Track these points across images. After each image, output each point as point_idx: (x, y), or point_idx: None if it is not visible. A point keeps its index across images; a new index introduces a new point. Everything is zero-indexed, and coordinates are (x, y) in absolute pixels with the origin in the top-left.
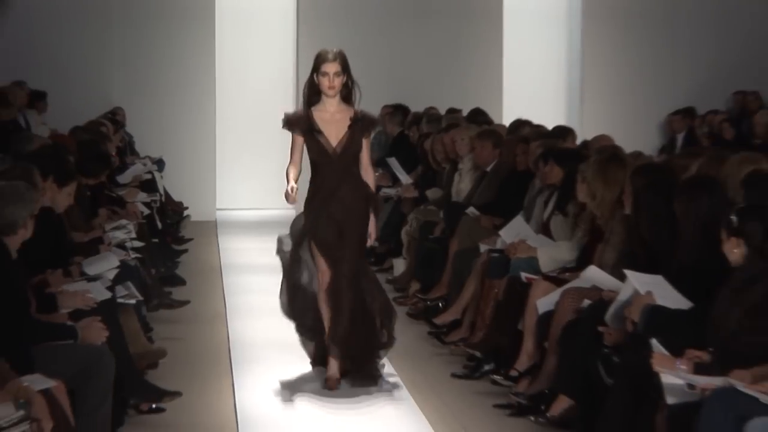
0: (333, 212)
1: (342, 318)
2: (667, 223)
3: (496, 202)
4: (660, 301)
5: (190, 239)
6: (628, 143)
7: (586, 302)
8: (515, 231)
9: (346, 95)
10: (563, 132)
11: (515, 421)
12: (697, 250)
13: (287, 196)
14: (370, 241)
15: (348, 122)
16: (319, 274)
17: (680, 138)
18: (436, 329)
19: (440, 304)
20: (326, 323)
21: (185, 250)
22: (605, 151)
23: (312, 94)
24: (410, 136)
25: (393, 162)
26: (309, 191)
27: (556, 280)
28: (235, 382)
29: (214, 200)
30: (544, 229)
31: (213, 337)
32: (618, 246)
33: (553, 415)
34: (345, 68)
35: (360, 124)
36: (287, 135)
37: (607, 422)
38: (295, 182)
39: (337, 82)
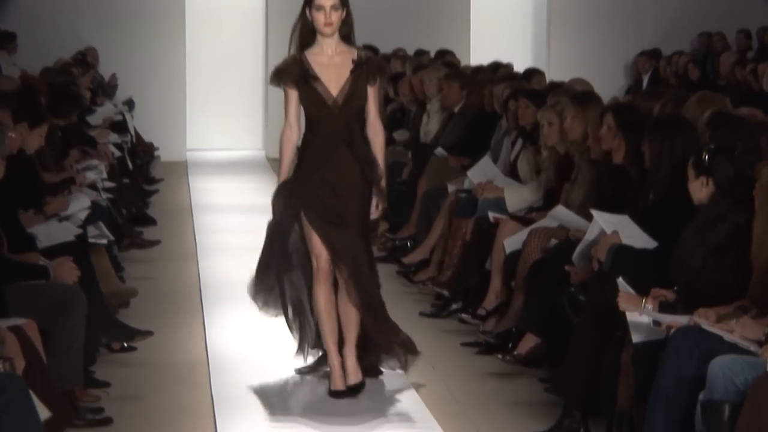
0: (328, 178)
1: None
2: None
3: (463, 142)
4: (626, 241)
5: (161, 179)
6: (594, 84)
7: (553, 242)
8: (483, 171)
9: (347, 34)
10: (532, 73)
11: (483, 359)
12: (666, 189)
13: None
14: (375, 214)
15: (350, 66)
16: (313, 257)
17: (646, 79)
18: (404, 268)
19: (408, 244)
20: (326, 326)
21: (156, 191)
22: (582, 91)
23: (305, 34)
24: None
25: None
26: (299, 150)
27: (524, 220)
28: (206, 321)
29: (184, 141)
30: (511, 170)
31: (184, 277)
32: (585, 186)
33: (520, 353)
34: (344, 0)
35: (364, 68)
36: (259, 72)
37: (573, 360)
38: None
39: (335, 17)
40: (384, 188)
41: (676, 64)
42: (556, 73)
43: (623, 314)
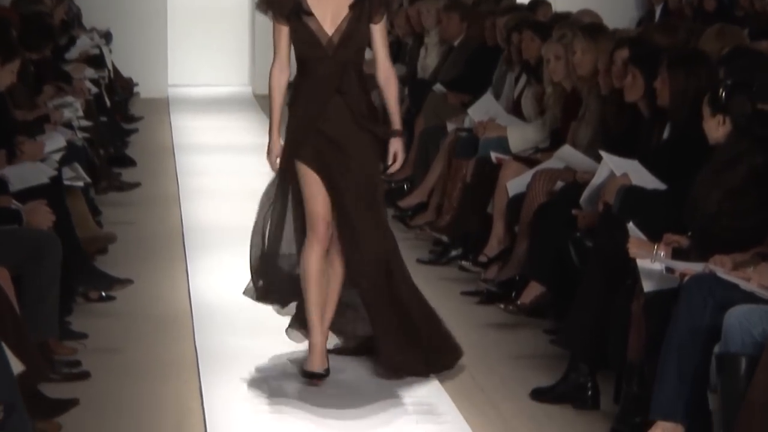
0: (326, 130)
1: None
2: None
3: (463, 78)
4: (636, 183)
5: (141, 118)
6: (603, 16)
7: (559, 184)
8: (484, 109)
9: None
10: (537, 4)
11: (484, 309)
12: (682, 128)
13: (271, 162)
14: (393, 168)
15: (349, 0)
16: (310, 217)
17: (658, 10)
18: (400, 212)
19: (405, 186)
20: (313, 297)
21: (135, 130)
22: (591, 23)
23: None
24: None
25: None
26: (291, 95)
27: (528, 161)
28: (189, 268)
29: (165, 76)
30: (515, 108)
31: (165, 221)
32: (593, 124)
33: (523, 302)
34: None
35: (367, 2)
36: (245, 2)
37: (580, 310)
38: (279, 145)
39: None
40: (400, 142)
41: None
42: (562, 3)
43: (634, 261)
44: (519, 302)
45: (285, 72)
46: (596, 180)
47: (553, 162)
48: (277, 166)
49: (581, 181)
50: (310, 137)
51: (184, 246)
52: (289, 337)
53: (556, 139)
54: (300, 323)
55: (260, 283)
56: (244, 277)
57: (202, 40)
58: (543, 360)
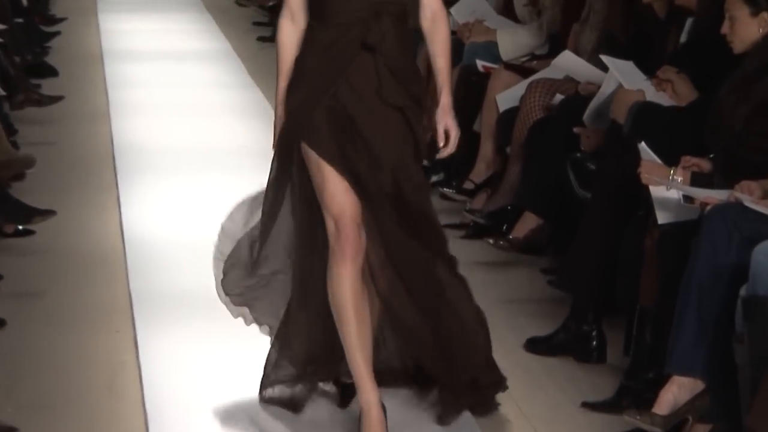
0: (344, 99)
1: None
2: None
3: None
4: (650, 97)
5: (63, 19)
6: None
7: (558, 97)
8: (469, 8)
9: None
10: None
11: (470, 245)
12: (704, 29)
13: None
14: (445, 152)
15: None
16: (330, 219)
17: None
18: None
19: None
20: (354, 332)
21: (57, 33)
22: None
23: None
24: None
25: None
26: (299, 55)
27: (521, 70)
28: (121, 198)
29: None
30: (506, 7)
31: (93, 141)
32: (598, 27)
33: (516, 236)
34: None
35: None
36: None
37: (583, 246)
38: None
39: None
40: (450, 114)
41: None
42: None
43: (646, 188)
44: (511, 236)
45: (297, 22)
46: (603, 92)
47: (551, 71)
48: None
49: (584, 93)
50: (323, 112)
51: (115, 171)
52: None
53: (554, 45)
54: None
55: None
56: (186, 207)
57: None
58: (540, 305)
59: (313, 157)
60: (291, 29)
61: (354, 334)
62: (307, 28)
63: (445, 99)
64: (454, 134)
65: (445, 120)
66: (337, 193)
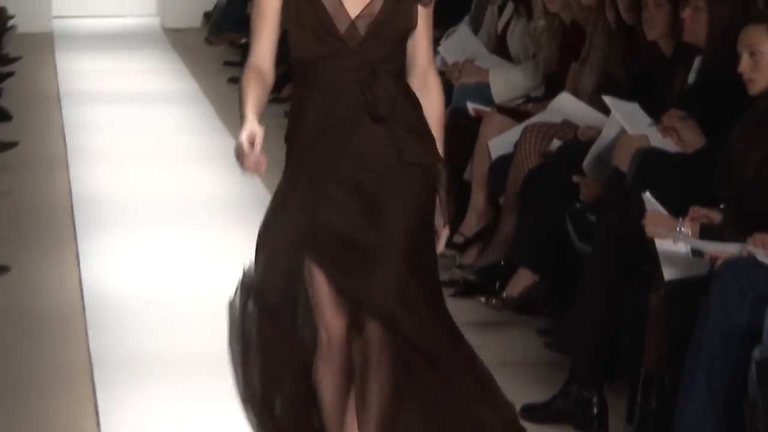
0: (352, 172)
1: None
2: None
3: (434, 7)
4: (655, 142)
5: (18, 58)
6: None
7: (556, 143)
8: (459, 46)
9: None
10: None
11: (460, 304)
12: (714, 69)
13: (239, 151)
14: (441, 244)
15: None
16: (322, 331)
17: None
18: None
19: None
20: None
21: (11, 73)
22: None
23: None
24: None
25: None
26: (288, 130)
27: (515, 113)
28: (80, 251)
29: (49, 5)
30: (499, 45)
31: (50, 191)
32: (599, 66)
33: (510, 294)
34: None
35: None
36: None
37: (582, 305)
38: (258, 124)
39: None
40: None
41: None
42: None
43: (651, 241)
44: (505, 295)
45: (266, 73)
46: (604, 137)
47: (548, 114)
48: (256, 158)
49: (584, 138)
50: (325, 194)
51: (74, 223)
52: None
53: (551, 86)
54: None
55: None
56: (151, 262)
57: None
58: (536, 368)
59: (310, 263)
60: (257, 77)
61: (334, 422)
62: (295, 98)
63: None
64: (443, 238)
65: (441, 204)
66: (327, 306)
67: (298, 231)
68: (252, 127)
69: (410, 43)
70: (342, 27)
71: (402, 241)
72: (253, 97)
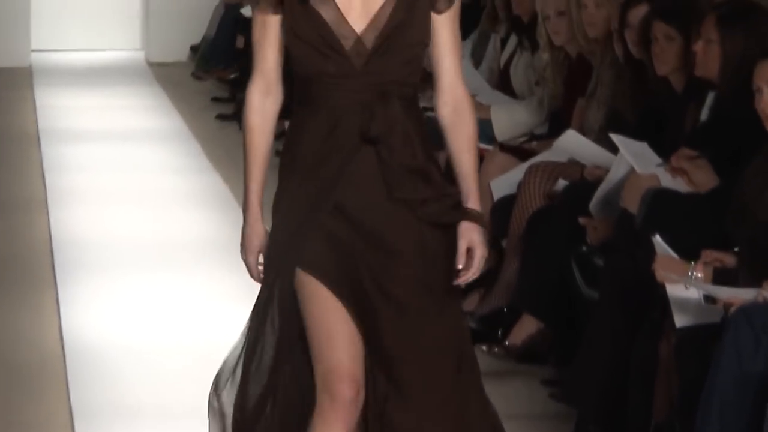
0: (350, 208)
1: None
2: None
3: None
4: (666, 183)
5: None
6: None
7: (561, 183)
8: None
9: None
10: None
11: None
12: (728, 105)
13: (248, 270)
14: (464, 278)
15: None
16: (324, 379)
17: None
18: None
19: None
20: None
21: None
22: None
23: None
24: None
25: None
26: (285, 147)
27: (519, 152)
28: (60, 298)
29: (28, 39)
30: (501, 81)
31: (28, 234)
32: (607, 102)
33: (513, 343)
34: None
35: None
36: None
37: (590, 353)
38: (261, 226)
39: None
40: (476, 229)
41: None
42: None
43: (662, 287)
44: (507, 343)
45: (272, 96)
46: (612, 177)
47: (553, 153)
48: (259, 273)
49: (591, 178)
50: (319, 222)
51: (54, 268)
52: None
53: (556, 123)
54: None
55: None
56: (135, 309)
57: None
58: (541, 421)
59: (304, 283)
60: (264, 106)
61: None
62: (294, 117)
63: (474, 206)
64: (479, 255)
65: (470, 235)
66: (329, 337)
67: (285, 243)
68: (255, 238)
69: (433, 58)
70: (346, 43)
71: (425, 291)
72: (260, 153)
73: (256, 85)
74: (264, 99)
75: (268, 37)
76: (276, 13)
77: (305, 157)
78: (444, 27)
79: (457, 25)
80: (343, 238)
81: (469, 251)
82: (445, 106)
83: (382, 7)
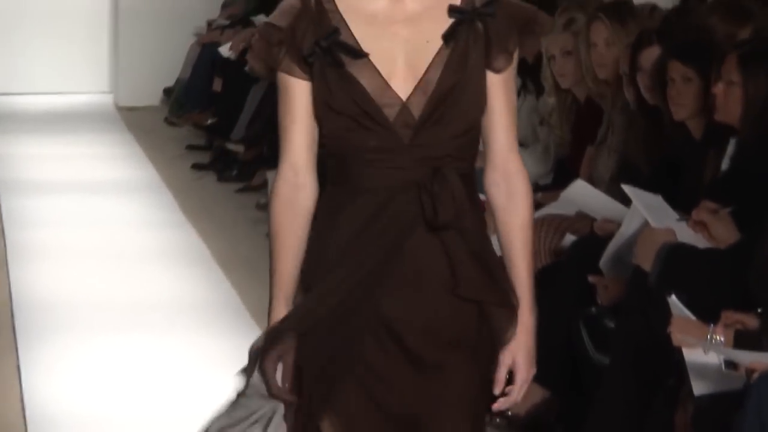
0: (393, 315)
1: None
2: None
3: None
4: (682, 237)
5: None
6: None
7: (569, 238)
8: None
9: None
10: None
11: None
12: (752, 153)
13: (272, 392)
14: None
15: (444, 21)
16: None
17: None
18: None
19: None
20: None
21: None
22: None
23: None
24: None
25: (261, 21)
26: (312, 240)
27: None
28: (21, 364)
29: None
30: None
31: None
32: (618, 150)
33: (517, 413)
34: None
35: (483, 25)
36: None
37: (600, 423)
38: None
39: None
40: (524, 344)
41: None
42: None
43: (679, 351)
44: (511, 413)
45: (305, 188)
46: (624, 231)
47: (560, 205)
48: (287, 394)
49: (601, 233)
50: (357, 356)
51: (14, 331)
52: None
53: (563, 172)
54: None
55: None
56: (102, 376)
57: (37, 28)
58: None
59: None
60: (295, 201)
61: None
62: (323, 202)
63: (525, 319)
64: (522, 378)
65: (515, 356)
66: None
67: (311, 367)
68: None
69: (483, 127)
70: (390, 113)
71: (466, 410)
72: (290, 255)
73: (284, 175)
74: (294, 192)
75: (296, 110)
76: (304, 77)
77: (341, 252)
78: (499, 89)
79: (513, 88)
80: (385, 376)
81: (510, 368)
82: (496, 187)
83: (431, 68)
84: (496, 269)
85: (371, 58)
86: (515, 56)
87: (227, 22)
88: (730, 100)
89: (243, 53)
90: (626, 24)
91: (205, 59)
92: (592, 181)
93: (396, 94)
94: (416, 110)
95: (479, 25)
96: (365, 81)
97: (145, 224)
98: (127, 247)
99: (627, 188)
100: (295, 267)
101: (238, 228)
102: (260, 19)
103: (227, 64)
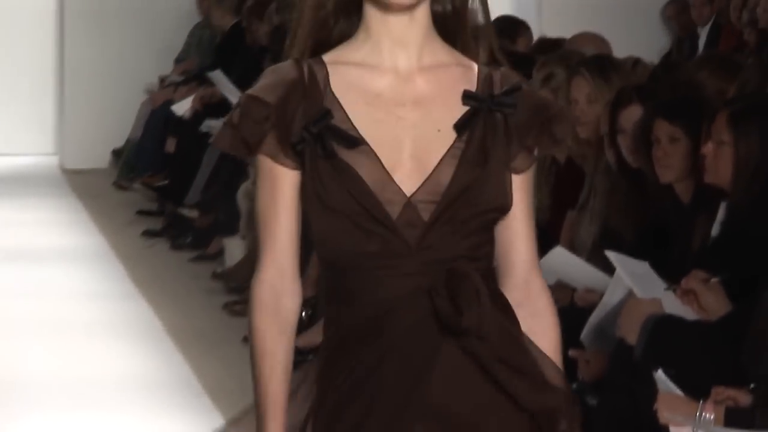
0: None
1: None
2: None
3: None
4: (670, 308)
5: None
6: (612, 43)
7: None
8: None
9: (450, 21)
10: (513, 27)
11: None
12: (743, 217)
13: None
14: None
15: (458, 107)
16: None
17: (703, 34)
18: (300, 356)
19: (303, 314)
20: None
21: None
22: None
23: (333, 8)
24: (251, 30)
25: (219, 77)
26: (322, 369)
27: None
28: None
29: None
30: None
31: None
32: (602, 214)
33: None
34: None
35: (504, 114)
36: (48, 35)
37: None
38: None
39: None
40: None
41: (753, 7)
42: (550, 26)
43: (666, 430)
44: None
45: (293, 294)
46: (607, 302)
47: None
48: None
49: (582, 303)
50: None
51: None
52: None
53: (542, 239)
54: None
55: None
56: None
57: None
58: None
59: None
60: (279, 306)
61: None
62: (326, 323)
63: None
64: None
65: None
66: None
67: None
68: None
69: (500, 237)
70: (393, 210)
71: None
72: (276, 391)
73: (266, 277)
74: (280, 299)
75: (280, 202)
76: (292, 166)
77: (354, 378)
78: (519, 192)
79: (532, 192)
80: None
81: None
82: (518, 308)
83: (442, 162)
84: (536, 376)
85: (372, 145)
86: (534, 154)
87: (181, 79)
88: (720, 161)
89: (198, 111)
90: (609, 79)
91: (157, 118)
92: (573, 247)
93: (399, 189)
94: (424, 209)
95: (498, 116)
96: (365, 172)
97: (93, 295)
98: (74, 320)
99: (611, 255)
100: (284, 384)
101: (192, 299)
102: (217, 75)
103: (181, 124)
